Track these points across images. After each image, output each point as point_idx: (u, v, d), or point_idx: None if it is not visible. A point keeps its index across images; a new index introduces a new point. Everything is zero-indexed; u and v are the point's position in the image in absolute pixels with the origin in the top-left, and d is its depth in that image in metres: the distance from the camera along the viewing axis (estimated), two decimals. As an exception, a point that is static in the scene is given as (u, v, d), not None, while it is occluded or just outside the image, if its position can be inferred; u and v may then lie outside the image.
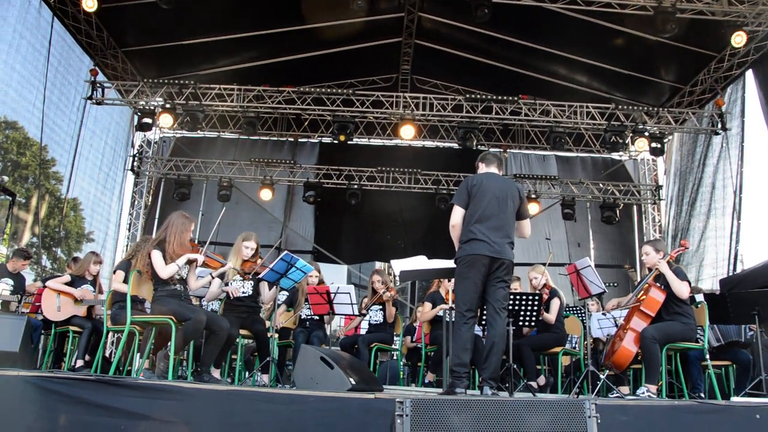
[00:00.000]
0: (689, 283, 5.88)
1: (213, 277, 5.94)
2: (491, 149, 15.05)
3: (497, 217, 5.03)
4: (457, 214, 5.14)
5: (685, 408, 4.33)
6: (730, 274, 10.87)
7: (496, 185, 5.17)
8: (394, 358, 9.94)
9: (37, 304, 7.40)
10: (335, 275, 14.20)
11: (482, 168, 5.47)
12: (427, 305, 7.81)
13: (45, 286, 7.17)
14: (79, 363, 6.73)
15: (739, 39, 10.37)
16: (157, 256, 5.41)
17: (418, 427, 2.98)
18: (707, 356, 6.09)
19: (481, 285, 4.95)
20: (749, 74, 11.42)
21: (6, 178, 6.81)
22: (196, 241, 5.84)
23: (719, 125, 11.77)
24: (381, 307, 7.67)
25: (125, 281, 6.33)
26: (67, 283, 7.17)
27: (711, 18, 10.22)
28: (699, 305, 6.20)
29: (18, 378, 4.23)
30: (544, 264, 7.58)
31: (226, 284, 6.37)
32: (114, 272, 6.82)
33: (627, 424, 4.00)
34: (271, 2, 11.63)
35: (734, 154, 11.50)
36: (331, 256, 14.75)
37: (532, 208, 13.92)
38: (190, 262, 5.54)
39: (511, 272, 5.08)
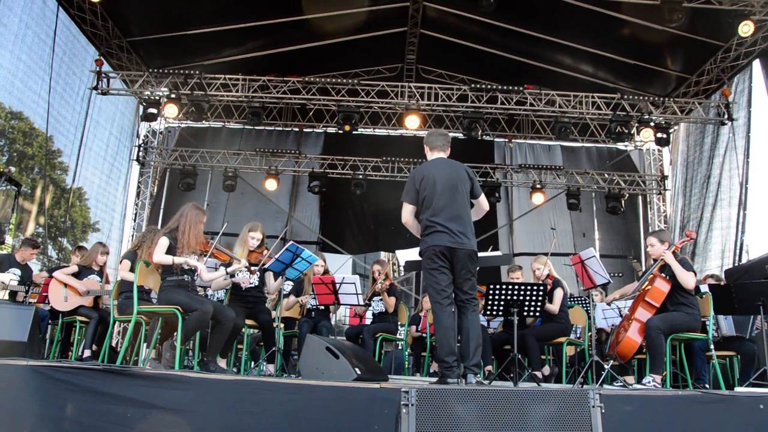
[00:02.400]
0: (695, 274, 5.88)
1: (227, 273, 5.97)
2: (496, 139, 15.07)
3: (452, 206, 5.01)
4: (406, 211, 5.17)
5: (689, 398, 4.35)
6: (736, 264, 10.86)
7: (443, 173, 5.12)
8: (399, 347, 9.98)
9: (44, 294, 7.45)
10: (340, 265, 14.25)
11: (428, 153, 5.41)
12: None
13: (52, 277, 7.21)
14: (87, 353, 6.77)
15: (746, 28, 10.30)
16: (162, 241, 5.44)
17: (423, 416, 3.00)
18: (712, 347, 6.10)
19: (451, 273, 4.96)
20: (756, 64, 11.34)
21: (13, 169, 6.83)
22: (203, 232, 5.86)
23: (726, 115, 11.74)
24: (381, 297, 7.71)
25: (131, 270, 6.36)
26: (74, 274, 7.20)
27: (718, 7, 10.15)
28: (704, 296, 6.20)
29: (27, 367, 4.28)
30: (546, 254, 7.59)
31: (233, 276, 6.40)
32: (120, 261, 6.85)
33: (631, 414, 4.02)
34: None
35: (740, 145, 11.46)
36: (336, 247, 14.78)
37: (537, 197, 13.92)
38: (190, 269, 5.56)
39: (475, 261, 5.05)
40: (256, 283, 6.55)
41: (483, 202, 5.30)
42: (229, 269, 5.97)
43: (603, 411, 3.06)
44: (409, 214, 5.17)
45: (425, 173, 5.16)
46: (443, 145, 5.40)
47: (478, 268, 5.12)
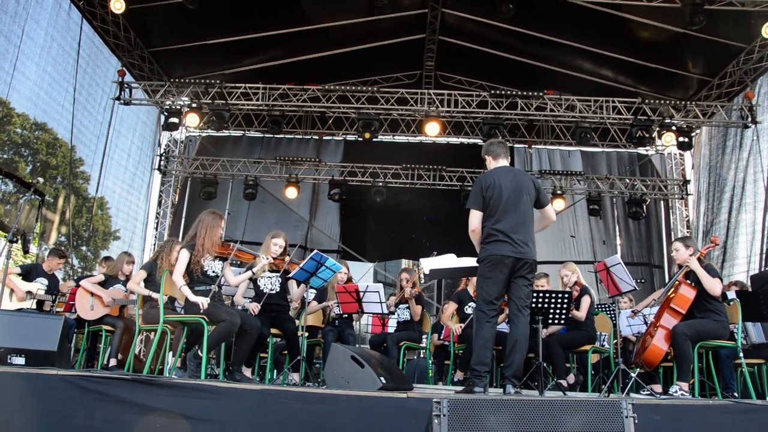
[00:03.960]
0: (721, 280, 5.81)
1: (254, 273, 5.99)
2: (516, 145, 15.01)
3: (516, 215, 4.98)
4: (475, 218, 5.08)
5: (719, 407, 4.28)
6: (763, 269, 10.71)
7: (509, 182, 5.08)
8: (422, 356, 9.95)
9: (71, 303, 7.53)
10: (361, 273, 14.26)
11: (491, 162, 5.37)
12: (452, 305, 7.81)
13: (79, 285, 7.29)
14: (113, 362, 6.83)
15: (770, 29, 10.20)
16: (183, 256, 5.49)
17: (455, 426, 2.99)
18: (741, 354, 6.01)
19: (504, 284, 4.93)
20: (780, 66, 11.23)
21: (41, 180, 6.91)
22: (223, 239, 5.90)
23: (749, 118, 11.60)
24: (407, 305, 7.70)
25: (147, 280, 6.42)
26: (100, 283, 7.29)
27: (740, 8, 10.04)
28: (731, 302, 6.12)
29: (57, 377, 4.32)
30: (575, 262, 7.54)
31: (255, 282, 6.43)
32: (138, 271, 6.91)
33: (661, 424, 3.98)
34: (295, 1, 11.67)
35: (765, 148, 11.31)
36: (356, 255, 14.79)
37: (558, 204, 13.82)
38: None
39: (535, 271, 5.04)
40: (278, 289, 6.57)
41: (550, 212, 5.29)
42: (255, 268, 5.99)
43: (636, 421, 3.03)
44: (478, 221, 5.07)
45: (492, 180, 5.11)
46: (505, 153, 5.38)
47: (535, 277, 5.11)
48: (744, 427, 4.09)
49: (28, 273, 7.67)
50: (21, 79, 9.77)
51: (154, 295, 5.46)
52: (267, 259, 6.04)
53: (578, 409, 3.08)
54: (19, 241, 7.13)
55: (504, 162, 5.34)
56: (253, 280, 6.47)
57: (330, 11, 11.81)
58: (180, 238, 11.05)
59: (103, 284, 7.29)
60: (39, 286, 7.52)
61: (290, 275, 6.27)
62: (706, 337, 5.66)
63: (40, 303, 7.50)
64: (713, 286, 5.64)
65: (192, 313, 5.39)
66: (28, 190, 6.94)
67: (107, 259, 8.12)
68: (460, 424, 2.98)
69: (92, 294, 7.15)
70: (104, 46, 11.87)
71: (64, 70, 10.67)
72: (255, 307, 6.30)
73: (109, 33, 11.67)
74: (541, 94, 12.18)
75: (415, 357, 10.23)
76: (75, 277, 8.91)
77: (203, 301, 5.30)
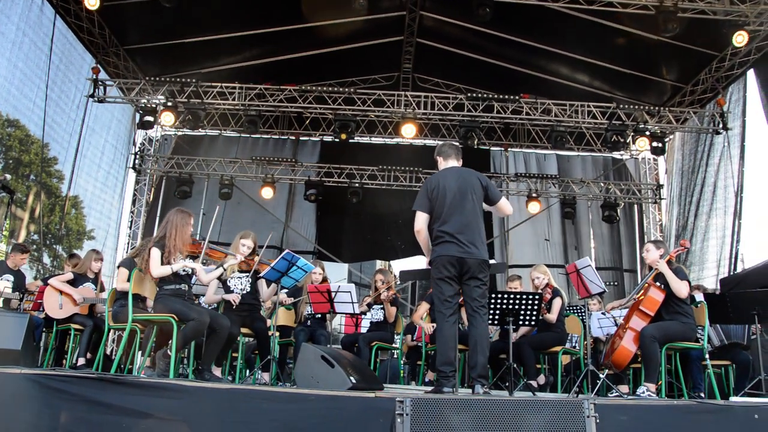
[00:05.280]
0: (689, 283, 5.90)
1: (224, 269, 5.97)
2: (492, 148, 15.10)
3: (461, 216, 5.03)
4: (420, 219, 5.15)
5: (684, 408, 4.34)
6: (731, 273, 10.89)
7: (453, 182, 5.15)
8: (395, 356, 9.96)
9: (39, 301, 7.43)
10: (336, 274, 14.22)
11: (441, 163, 5.46)
12: (424, 305, 7.84)
13: (47, 284, 7.19)
14: (81, 361, 6.75)
15: (740, 38, 10.37)
16: (155, 254, 5.45)
17: (418, 426, 2.99)
18: (707, 356, 6.11)
19: (456, 283, 4.99)
20: (750, 74, 11.41)
21: (9, 177, 6.82)
22: (197, 237, 5.87)
23: (720, 125, 11.78)
24: (382, 306, 7.70)
25: (128, 279, 6.35)
26: (69, 281, 7.20)
27: (712, 17, 10.20)
28: (699, 305, 6.21)
29: (20, 376, 4.25)
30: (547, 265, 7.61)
31: (226, 285, 6.41)
32: (118, 268, 6.83)
33: (626, 424, 4.02)
34: (273, 1, 11.64)
35: (735, 154, 11.51)
36: (331, 256, 14.76)
37: (533, 207, 13.90)
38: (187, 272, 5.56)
39: (486, 270, 5.04)
40: (248, 289, 6.54)
41: (503, 206, 5.31)
42: (225, 265, 5.99)
43: (598, 421, 3.06)
44: (423, 223, 5.15)
45: (436, 182, 5.19)
46: (456, 154, 5.45)
47: (488, 276, 5.11)
48: (707, 427, 4.14)
49: (-7, 270, 7.55)
50: (-9, 75, 9.64)
51: (176, 266, 5.39)
52: (237, 257, 6.03)
53: (541, 409, 3.10)
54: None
55: (453, 163, 5.41)
56: (223, 281, 6.44)
57: (323, 10, 11.78)
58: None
59: (72, 282, 7.20)
60: (5, 283, 7.41)
61: (261, 275, 6.25)
62: (673, 338, 5.73)
63: (7, 301, 7.38)
64: (680, 288, 5.71)
65: (162, 310, 5.36)
66: (-5, 187, 6.81)
67: (73, 256, 8.02)
68: (423, 423, 2.99)
69: (61, 292, 7.05)
70: (78, 42, 11.70)
71: (36, 66, 10.51)
72: (236, 298, 6.30)
73: (83, 29, 11.53)
74: (517, 97, 12.26)
75: (388, 358, 10.23)
76: (44, 276, 8.78)
77: (191, 264, 5.38)
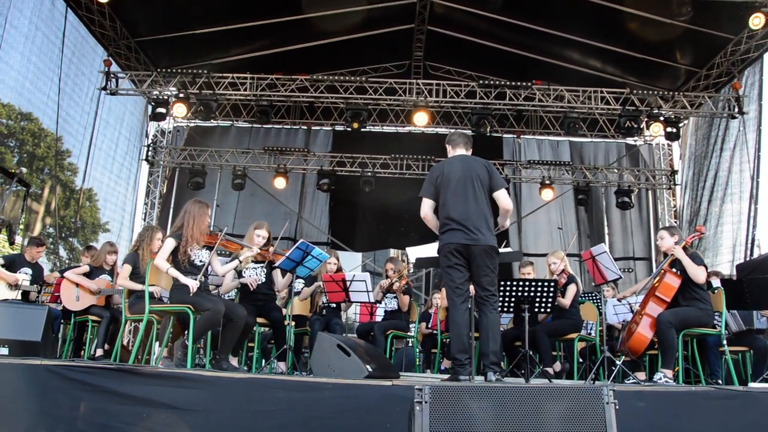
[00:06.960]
0: (706, 268, 5.84)
1: (240, 261, 6.00)
2: (505, 135, 15.02)
3: (466, 203, 5.03)
4: (425, 206, 5.22)
5: (702, 394, 4.34)
6: (747, 259, 10.79)
7: (459, 170, 5.16)
8: (410, 344, 9.98)
9: (56, 294, 7.49)
10: (349, 263, 14.25)
11: (450, 151, 5.49)
12: (443, 292, 7.83)
13: (63, 277, 7.25)
14: (99, 352, 6.81)
15: (757, 21, 10.23)
16: (168, 244, 5.49)
17: (437, 414, 2.99)
18: (724, 342, 6.07)
19: (466, 269, 4.98)
20: (767, 57, 11.26)
21: (25, 170, 6.86)
22: (211, 227, 5.89)
23: (736, 109, 11.65)
24: (395, 294, 7.71)
25: (133, 272, 6.38)
26: (85, 273, 7.25)
27: (728, 0, 10.06)
28: (716, 291, 6.16)
29: (41, 367, 4.30)
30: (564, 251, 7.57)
31: (240, 274, 6.43)
32: (122, 265, 6.86)
33: (644, 410, 4.02)
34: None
35: (751, 138, 11.38)
36: (344, 247, 14.77)
37: (546, 194, 13.83)
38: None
39: (494, 256, 5.00)
40: (263, 280, 6.56)
41: (501, 198, 5.18)
42: (241, 257, 6.00)
43: (617, 407, 3.05)
44: (428, 209, 5.21)
45: (442, 169, 5.22)
46: (465, 143, 5.46)
47: (497, 263, 5.09)
48: (726, 413, 4.14)
49: (12, 263, 7.60)
50: (5, 69, 9.70)
51: (173, 272, 5.43)
52: (253, 249, 6.05)
53: (560, 396, 3.09)
54: (5, 232, 7.08)
55: (461, 151, 5.42)
56: (238, 271, 6.46)
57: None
58: (167, 229, 10.99)
59: (89, 275, 7.26)
60: (23, 276, 7.47)
61: (276, 264, 6.26)
62: (690, 324, 5.70)
63: (26, 293, 7.46)
64: (698, 273, 5.67)
65: (177, 301, 5.39)
66: (13, 181, 6.86)
67: (89, 248, 8.06)
68: (442, 410, 2.99)
69: (77, 285, 7.11)
70: (90, 35, 11.77)
71: (49, 60, 10.58)
72: (254, 281, 6.32)
73: (95, 22, 11.57)
74: (529, 84, 12.19)
75: (403, 346, 10.26)
76: (61, 269, 8.85)
77: (193, 284, 5.31)
